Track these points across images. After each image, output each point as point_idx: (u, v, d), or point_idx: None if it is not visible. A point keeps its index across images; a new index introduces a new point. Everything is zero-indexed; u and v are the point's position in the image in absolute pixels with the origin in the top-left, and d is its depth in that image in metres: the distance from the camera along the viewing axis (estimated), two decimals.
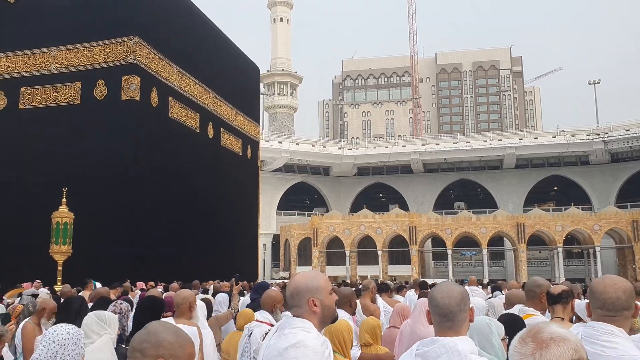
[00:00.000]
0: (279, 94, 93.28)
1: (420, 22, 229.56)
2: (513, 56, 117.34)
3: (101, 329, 4.34)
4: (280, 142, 67.48)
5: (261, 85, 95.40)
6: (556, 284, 5.66)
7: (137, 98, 18.57)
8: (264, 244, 68.21)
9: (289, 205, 71.66)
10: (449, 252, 59.40)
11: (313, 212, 70.76)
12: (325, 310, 2.65)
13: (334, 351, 3.66)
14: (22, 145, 18.97)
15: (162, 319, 4.41)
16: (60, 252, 14.58)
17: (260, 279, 56.15)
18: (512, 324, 3.92)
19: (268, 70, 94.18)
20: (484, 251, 58.80)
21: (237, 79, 28.35)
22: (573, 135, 63.70)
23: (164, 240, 19.79)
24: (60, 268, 14.52)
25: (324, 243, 61.73)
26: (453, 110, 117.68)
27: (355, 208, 69.98)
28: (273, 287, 8.25)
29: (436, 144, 69.99)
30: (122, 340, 5.33)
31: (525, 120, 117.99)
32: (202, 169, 23.59)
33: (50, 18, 19.73)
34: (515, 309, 4.83)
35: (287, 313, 2.73)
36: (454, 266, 66.10)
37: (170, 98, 21.04)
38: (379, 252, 59.74)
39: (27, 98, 19.41)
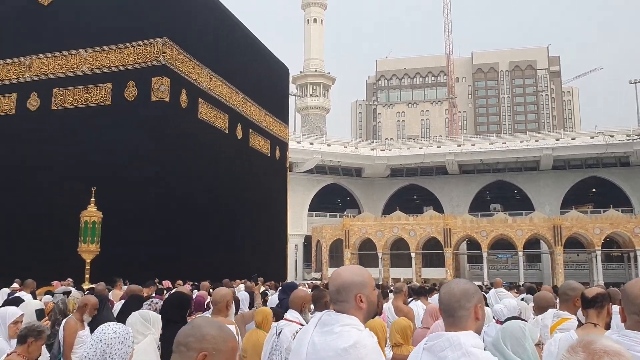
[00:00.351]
0: (311, 95, 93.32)
1: (455, 21, 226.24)
2: (550, 56, 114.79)
3: (146, 329, 4.39)
4: (311, 144, 67.35)
5: (293, 86, 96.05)
6: (590, 288, 5.17)
7: (167, 99, 18.68)
8: (296, 245, 68.32)
9: (321, 206, 71.52)
10: (484, 254, 58.49)
11: (345, 213, 70.54)
12: (370, 306, 2.64)
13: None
14: (54, 145, 19.30)
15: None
16: (89, 250, 14.73)
17: (291, 279, 56.37)
18: None
19: (301, 72, 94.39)
20: (520, 254, 57.80)
21: (267, 80, 28.34)
22: (612, 136, 61.97)
23: (192, 240, 19.88)
24: (88, 267, 14.63)
25: (355, 245, 61.47)
26: (490, 110, 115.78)
27: (388, 210, 69.39)
28: (301, 288, 8.23)
29: (472, 145, 68.91)
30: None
31: (563, 120, 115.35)
32: (231, 170, 23.64)
33: (82, 20, 20.01)
34: (550, 313, 4.64)
35: (318, 313, 2.70)
36: (489, 269, 65.23)
37: (199, 99, 21.12)
38: (413, 255, 59.26)
39: (59, 99, 19.72)
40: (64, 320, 6.22)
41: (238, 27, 25.88)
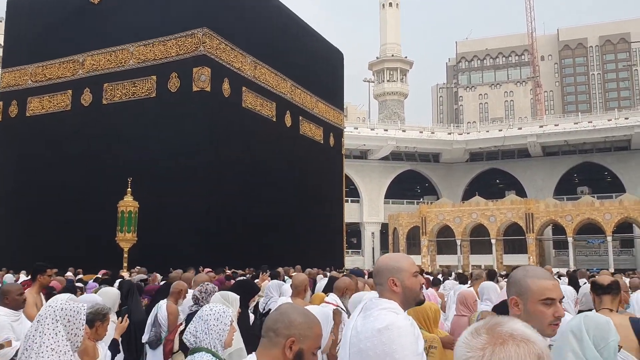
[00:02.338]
0: (388, 81, 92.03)
1: None
2: None
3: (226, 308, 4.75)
4: (386, 130, 66.47)
5: (370, 73, 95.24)
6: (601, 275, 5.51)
7: (208, 89, 18.88)
8: (372, 233, 68.10)
9: (400, 193, 70.67)
10: (570, 240, 55.82)
11: (422, 200, 69.40)
12: (406, 292, 2.72)
13: (421, 328, 4.20)
14: (106, 138, 20.05)
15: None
16: (125, 239, 15.13)
17: (369, 267, 56.14)
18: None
19: (377, 57, 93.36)
20: (609, 239, 54.72)
21: (318, 66, 28.07)
22: None
23: (241, 229, 20.04)
24: (126, 255, 15.06)
25: (433, 232, 60.41)
26: (578, 89, 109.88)
27: (468, 195, 67.58)
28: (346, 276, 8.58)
29: (555, 125, 65.53)
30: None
31: None
32: (281, 158, 23.61)
33: (128, 15, 20.64)
34: None
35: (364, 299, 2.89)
36: (577, 255, 62.16)
37: (243, 88, 21.21)
38: (493, 241, 57.54)
39: (109, 93, 20.46)
40: (164, 304, 6.92)
41: (285, 14, 25.73)
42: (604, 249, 60.40)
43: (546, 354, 1.29)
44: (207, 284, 6.21)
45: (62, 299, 3.25)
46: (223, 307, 3.29)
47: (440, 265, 57.63)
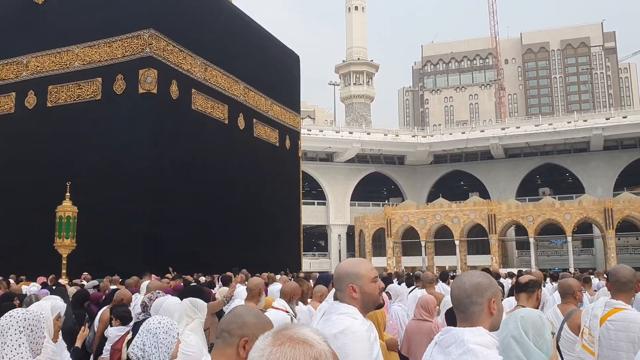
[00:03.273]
0: (354, 84, 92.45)
1: (504, 1, 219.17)
2: (605, 32, 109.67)
3: (194, 314, 5.07)
4: (351, 133, 66.70)
5: (336, 76, 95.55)
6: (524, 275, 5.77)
7: (154, 91, 18.61)
8: (339, 235, 68.18)
9: (366, 196, 70.95)
10: (532, 240, 56.74)
11: (387, 202, 69.75)
12: (365, 297, 2.74)
13: None
14: (50, 142, 19.58)
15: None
16: (64, 245, 14.78)
17: (330, 270, 56.17)
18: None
19: (343, 61, 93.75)
20: (569, 239, 55.71)
21: (274, 69, 27.90)
22: None
23: (191, 234, 19.74)
24: (64, 262, 14.72)
25: (398, 233, 60.78)
26: (541, 91, 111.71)
27: (432, 197, 68.13)
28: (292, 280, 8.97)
29: (516, 128, 66.52)
30: None
31: (620, 99, 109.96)
32: (234, 161, 23.37)
33: (73, 16, 20.22)
34: (601, 302, 4.22)
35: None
36: (539, 255, 63.13)
37: (193, 90, 20.96)
38: (457, 242, 58.14)
39: (54, 96, 20.03)
40: (101, 312, 6.92)
41: (238, 17, 25.52)
42: (566, 249, 61.47)
43: (324, 357, 1.36)
44: (158, 292, 6.11)
45: (22, 310, 3.25)
46: (169, 319, 3.26)
47: (405, 267, 58.03)
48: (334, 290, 3.04)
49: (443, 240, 60.40)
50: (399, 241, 61.31)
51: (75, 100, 19.58)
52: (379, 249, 61.76)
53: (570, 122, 63.76)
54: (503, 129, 66.96)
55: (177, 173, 19.55)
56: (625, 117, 61.92)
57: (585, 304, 6.80)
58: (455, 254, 58.14)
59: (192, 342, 4.64)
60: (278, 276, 15.43)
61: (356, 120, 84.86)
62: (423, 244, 59.30)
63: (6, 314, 3.17)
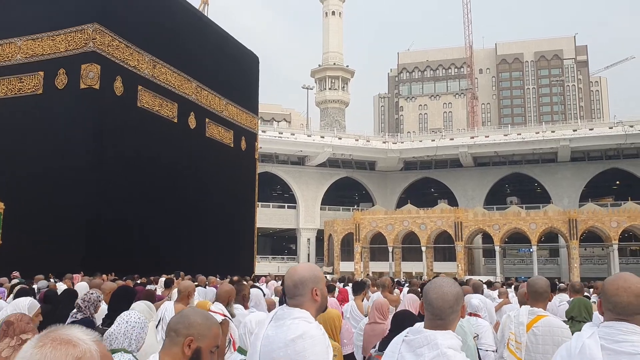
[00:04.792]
0: (330, 89, 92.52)
1: (480, 12, 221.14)
2: (578, 45, 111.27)
3: (149, 316, 5.34)
4: (322, 137, 66.67)
5: (312, 80, 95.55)
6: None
7: (96, 86, 18.33)
8: (308, 239, 68.07)
9: (337, 200, 70.98)
10: (497, 248, 57.14)
11: (357, 207, 69.83)
12: (323, 300, 2.83)
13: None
14: None
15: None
16: None
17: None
18: (404, 321, 3.92)
19: (319, 65, 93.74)
20: (534, 248, 56.21)
21: (230, 69, 27.63)
22: (632, 126, 59.38)
23: (132, 233, 19.46)
24: None
25: (367, 238, 60.85)
26: (514, 102, 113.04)
27: (402, 203, 68.30)
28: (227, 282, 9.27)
29: (486, 137, 67.05)
30: (94, 324, 5.84)
31: (591, 111, 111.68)
32: (183, 160, 23.07)
33: (17, 8, 19.85)
34: (525, 310, 4.61)
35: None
36: (505, 263, 63.62)
37: (139, 87, 20.65)
38: (423, 249, 58.32)
39: None
40: (167, 306, 6.70)
41: (193, 15, 25.27)
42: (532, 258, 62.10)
43: (88, 356, 1.34)
44: (92, 293, 6.28)
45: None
46: (144, 316, 3.46)
47: (372, 272, 58.11)
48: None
49: (410, 246, 60.55)
50: (367, 246, 61.38)
51: (16, 93, 19.21)
52: (347, 253, 61.80)
53: (538, 133, 64.44)
54: (472, 137, 67.45)
55: (119, 170, 19.24)
56: (592, 130, 62.75)
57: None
58: (422, 260, 58.26)
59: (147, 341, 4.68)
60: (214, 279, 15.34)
61: (331, 125, 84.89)
62: (391, 249, 59.42)
63: None
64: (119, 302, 5.77)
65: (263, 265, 62.11)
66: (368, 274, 52.86)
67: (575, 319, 6.82)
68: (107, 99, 18.92)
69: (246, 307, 6.98)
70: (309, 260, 67.04)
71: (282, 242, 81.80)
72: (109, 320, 5.51)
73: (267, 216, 66.23)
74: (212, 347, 2.41)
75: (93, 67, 18.33)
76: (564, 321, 6.03)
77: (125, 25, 20.18)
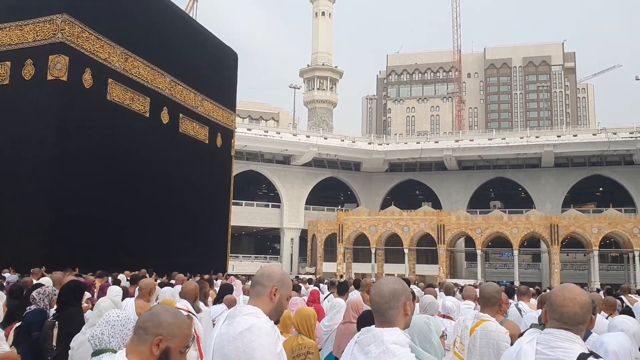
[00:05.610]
0: (318, 89, 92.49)
1: (469, 16, 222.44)
2: (566, 52, 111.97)
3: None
4: (308, 137, 66.52)
5: (300, 80, 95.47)
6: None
7: (64, 78, 18.05)
8: (292, 239, 67.89)
9: (321, 200, 70.86)
10: (479, 252, 57.25)
11: (340, 208, 69.72)
12: (278, 304, 2.91)
13: (301, 334, 4.99)
14: None
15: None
16: None
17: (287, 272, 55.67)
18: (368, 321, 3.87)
19: (308, 65, 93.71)
20: (515, 252, 56.40)
21: (208, 65, 27.37)
22: (615, 133, 59.65)
23: (100, 229, 19.15)
24: None
25: (350, 239, 60.72)
26: (502, 107, 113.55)
27: (387, 205, 68.32)
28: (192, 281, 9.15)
29: (470, 140, 67.14)
30: (46, 315, 6.05)
31: (577, 118, 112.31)
32: (154, 155, 22.75)
33: None
34: (471, 315, 4.86)
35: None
36: (487, 267, 63.76)
37: (109, 80, 20.35)
38: (406, 251, 58.28)
39: None
40: (131, 302, 6.83)
41: (169, 9, 24.90)
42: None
43: None
44: (47, 287, 6.54)
45: None
46: (127, 313, 3.44)
47: (355, 273, 58.04)
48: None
49: (393, 248, 60.50)
50: (350, 247, 61.24)
51: None
52: (330, 254, 61.61)
53: (522, 138, 64.62)
54: (457, 141, 67.56)
55: (86, 164, 18.95)
56: (575, 136, 63.02)
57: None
58: (404, 262, 58.23)
59: None
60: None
61: (318, 125, 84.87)
62: (373, 250, 59.34)
63: None
64: (67, 296, 5.97)
65: (245, 265, 61.90)
66: (342, 276, 52.79)
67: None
68: (75, 91, 18.63)
69: (206, 304, 7.52)
70: (291, 261, 66.94)
71: (266, 242, 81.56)
72: (57, 313, 5.85)
73: (251, 215, 66.06)
74: (182, 347, 2.38)
75: (61, 58, 18.06)
76: (536, 325, 6.07)
77: (96, 17, 19.87)
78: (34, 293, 6.20)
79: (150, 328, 2.32)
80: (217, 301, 9.35)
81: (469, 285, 13.21)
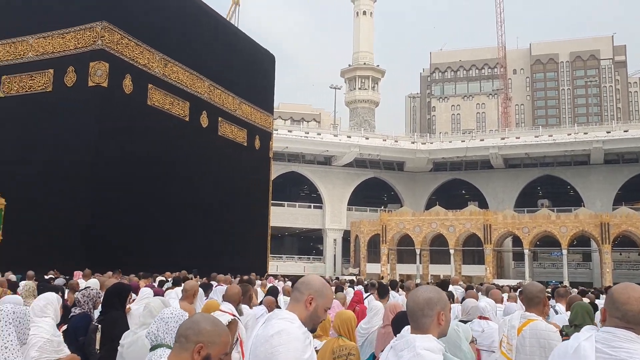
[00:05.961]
0: (359, 89, 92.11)
1: (515, 11, 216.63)
2: (616, 45, 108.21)
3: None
4: (349, 137, 66.25)
5: (342, 80, 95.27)
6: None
7: (105, 84, 18.41)
8: (334, 240, 67.73)
9: (365, 201, 70.46)
10: (526, 252, 56.01)
11: (382, 208, 69.20)
12: (313, 313, 2.92)
13: (342, 336, 5.07)
14: (1, 132, 19.43)
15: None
16: None
17: (329, 275, 55.69)
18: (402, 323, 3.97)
19: (349, 65, 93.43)
20: (564, 252, 54.91)
21: (245, 68, 27.56)
22: None
23: (142, 231, 19.46)
24: None
25: (394, 240, 60.19)
26: (549, 103, 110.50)
27: (432, 205, 67.34)
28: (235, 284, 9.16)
29: (516, 138, 65.70)
30: (91, 319, 6.09)
31: (629, 113, 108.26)
32: (194, 159, 23.04)
33: (30, 5, 20.07)
34: (517, 314, 4.89)
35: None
36: (536, 267, 62.24)
37: (149, 85, 20.69)
38: (452, 251, 57.40)
39: (6, 86, 19.94)
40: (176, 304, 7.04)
41: (207, 15, 25.20)
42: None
43: None
44: (91, 289, 6.59)
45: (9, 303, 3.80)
46: (182, 311, 3.57)
47: (400, 274, 57.55)
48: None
49: (439, 249, 59.68)
50: (394, 248, 60.69)
51: (27, 91, 19.47)
52: (374, 255, 61.18)
53: (570, 134, 62.87)
54: (503, 138, 66.20)
55: (127, 168, 19.30)
56: (626, 131, 60.88)
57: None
58: (450, 263, 57.38)
59: None
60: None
61: (360, 125, 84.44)
62: (418, 251, 58.67)
63: None
64: (112, 299, 6.06)
65: (288, 265, 62.15)
66: (382, 277, 52.24)
67: (579, 326, 6.73)
68: (116, 96, 19.01)
69: (251, 307, 7.43)
70: (335, 261, 66.82)
71: (309, 243, 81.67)
72: (101, 316, 6.00)
73: (294, 216, 66.25)
74: (221, 354, 2.46)
75: (101, 65, 18.44)
76: (566, 326, 6.28)
77: (136, 24, 20.26)
78: (78, 296, 6.33)
79: (191, 336, 2.40)
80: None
81: (493, 286, 13.11)
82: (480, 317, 6.78)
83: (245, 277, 15.18)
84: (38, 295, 6.17)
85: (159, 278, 14.23)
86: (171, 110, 21.85)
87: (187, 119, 22.69)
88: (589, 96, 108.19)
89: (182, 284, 11.36)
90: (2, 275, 13.69)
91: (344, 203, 68.43)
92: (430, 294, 2.81)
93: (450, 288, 14.08)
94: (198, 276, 17.18)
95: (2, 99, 19.96)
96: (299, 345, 2.74)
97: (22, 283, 10.14)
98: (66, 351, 5.11)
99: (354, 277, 32.90)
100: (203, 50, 24.15)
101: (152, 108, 20.82)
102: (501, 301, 10.96)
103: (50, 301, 5.21)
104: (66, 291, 10.28)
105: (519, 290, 15.72)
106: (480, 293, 12.44)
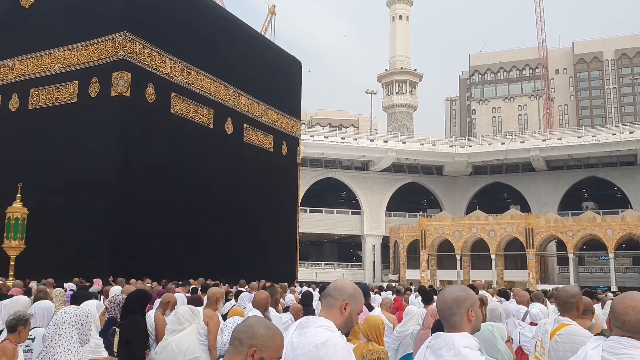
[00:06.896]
0: (397, 93, 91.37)
1: (555, 10, 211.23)
2: None
3: (192, 318, 6.14)
4: (385, 142, 65.68)
5: (379, 85, 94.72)
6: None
7: (127, 94, 18.56)
8: (373, 246, 67.18)
9: (404, 206, 69.66)
10: (571, 255, 54.32)
11: (422, 213, 68.24)
12: (348, 320, 2.93)
13: (371, 341, 5.15)
14: (28, 144, 19.81)
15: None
16: (11, 247, 14.75)
17: (369, 281, 55.12)
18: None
19: (386, 70, 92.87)
20: (611, 255, 53.01)
21: (270, 74, 27.47)
22: None
23: (168, 239, 19.51)
24: (12, 263, 14.68)
25: (433, 245, 59.28)
26: (594, 102, 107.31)
27: (472, 209, 66.13)
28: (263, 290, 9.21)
29: (558, 139, 63.91)
30: (116, 322, 6.37)
31: None
32: (219, 166, 23.05)
33: (56, 19, 20.50)
34: (551, 319, 4.92)
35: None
36: (581, 272, 60.28)
37: (173, 93, 20.78)
38: (493, 256, 56.16)
39: (34, 99, 20.33)
40: (152, 314, 7.26)
41: (229, 21, 25.28)
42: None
43: None
44: (118, 296, 6.98)
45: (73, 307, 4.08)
46: (240, 318, 3.79)
47: (440, 280, 56.63)
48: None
49: (480, 254, 58.47)
50: (434, 254, 59.79)
51: (53, 103, 19.83)
52: (413, 260, 60.43)
53: (615, 134, 60.79)
54: (544, 140, 64.51)
55: (151, 176, 19.41)
56: None
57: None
58: (491, 268, 56.12)
59: (188, 339, 5.93)
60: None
61: (398, 130, 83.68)
62: (458, 257, 57.64)
63: (61, 310, 3.93)
64: (133, 304, 6.25)
65: (327, 272, 61.89)
66: (412, 283, 51.37)
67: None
68: (139, 105, 19.16)
69: (279, 311, 7.59)
70: (374, 268, 66.18)
71: (349, 249, 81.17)
72: (121, 321, 6.20)
73: (332, 222, 66.00)
74: (274, 358, 2.47)
75: (123, 74, 18.62)
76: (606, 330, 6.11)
77: (157, 33, 20.41)
78: (106, 302, 6.68)
79: (245, 339, 2.41)
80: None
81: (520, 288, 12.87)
82: (531, 323, 6.75)
83: (268, 284, 14.97)
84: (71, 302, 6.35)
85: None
86: (195, 117, 21.92)
87: (211, 126, 22.72)
88: (636, 94, 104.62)
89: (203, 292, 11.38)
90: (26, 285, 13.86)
91: (382, 208, 67.86)
92: (457, 292, 2.85)
93: (481, 292, 13.76)
94: (227, 284, 17.09)
95: (30, 111, 20.36)
96: (347, 356, 2.76)
97: (56, 290, 10.33)
98: (104, 354, 5.24)
99: (393, 284, 32.40)
100: (226, 58, 24.18)
101: (176, 116, 20.92)
102: (527, 304, 10.65)
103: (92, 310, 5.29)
104: (101, 298, 10.45)
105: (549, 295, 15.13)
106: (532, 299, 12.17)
